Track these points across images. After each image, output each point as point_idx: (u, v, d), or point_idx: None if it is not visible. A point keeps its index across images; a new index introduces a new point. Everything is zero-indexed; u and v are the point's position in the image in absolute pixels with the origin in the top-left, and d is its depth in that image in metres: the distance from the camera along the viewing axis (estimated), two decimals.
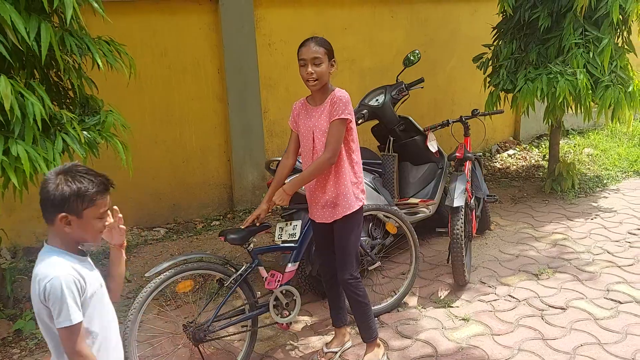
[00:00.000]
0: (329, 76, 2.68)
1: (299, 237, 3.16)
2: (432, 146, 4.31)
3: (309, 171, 2.65)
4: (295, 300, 2.98)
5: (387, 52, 5.87)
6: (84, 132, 2.99)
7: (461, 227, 3.51)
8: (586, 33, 4.62)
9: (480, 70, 5.28)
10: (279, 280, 2.92)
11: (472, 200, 3.93)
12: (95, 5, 3.04)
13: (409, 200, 4.23)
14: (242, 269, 2.80)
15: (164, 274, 2.61)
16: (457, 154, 3.88)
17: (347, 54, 5.75)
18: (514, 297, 3.51)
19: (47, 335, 1.69)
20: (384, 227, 3.66)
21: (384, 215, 3.52)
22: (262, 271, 2.91)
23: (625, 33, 4.89)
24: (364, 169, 3.97)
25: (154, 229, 5.00)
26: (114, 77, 3.43)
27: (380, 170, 4.13)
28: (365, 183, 3.83)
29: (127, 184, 4.79)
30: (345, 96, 2.64)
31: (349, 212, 2.70)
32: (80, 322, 1.61)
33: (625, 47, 4.89)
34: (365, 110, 4.24)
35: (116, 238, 1.86)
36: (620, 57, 4.77)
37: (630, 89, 4.66)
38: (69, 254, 1.69)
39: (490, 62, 5.24)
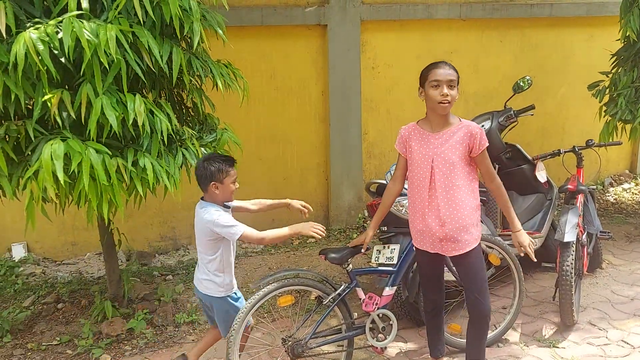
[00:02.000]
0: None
1: (398, 261, 3.14)
2: (541, 176, 4.12)
3: (506, 199, 2.73)
4: (391, 324, 2.96)
5: (493, 77, 5.73)
6: (202, 148, 3.21)
7: (571, 263, 3.31)
8: None
9: (596, 98, 4.98)
10: (376, 303, 2.92)
11: (583, 236, 3.69)
12: (220, 31, 3.27)
13: None
14: (340, 288, 2.84)
15: (268, 287, 2.71)
16: (569, 186, 3.68)
17: None
18: (628, 343, 3.23)
19: (202, 245, 2.70)
20: (487, 257, 3.54)
21: (486, 245, 3.41)
22: (360, 292, 2.93)
23: None
24: None
25: None
26: (227, 97, 3.65)
27: (484, 198, 4.00)
28: None
29: None
30: (476, 125, 2.64)
31: (475, 245, 2.64)
32: (242, 229, 2.66)
33: None
34: None
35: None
36: None
37: None
38: (218, 206, 2.68)
39: (608, 90, 4.93)
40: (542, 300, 3.87)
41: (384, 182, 3.59)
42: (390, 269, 3.11)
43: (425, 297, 2.98)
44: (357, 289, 2.91)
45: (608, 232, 4.00)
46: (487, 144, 2.61)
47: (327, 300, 2.81)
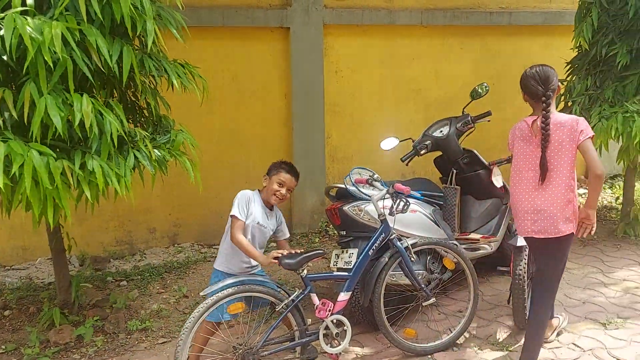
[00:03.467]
0: None
1: (354, 266, 3.13)
2: (497, 181, 4.18)
3: (597, 187, 2.76)
4: (346, 330, 2.94)
5: (454, 83, 5.80)
6: (155, 150, 3.14)
7: (524, 267, 3.36)
8: None
9: None
10: (330, 309, 2.90)
11: None
12: (174, 30, 3.20)
13: (470, 236, 4.10)
14: (294, 294, 2.81)
15: (217, 294, 2.65)
16: None
17: (413, 85, 5.74)
18: (578, 347, 3.30)
19: None
20: (442, 261, 3.56)
21: (442, 250, 3.44)
22: (314, 298, 2.90)
23: None
24: (424, 201, 3.93)
25: (213, 247, 5.11)
26: (186, 98, 3.59)
27: (441, 202, 4.05)
28: (425, 215, 3.78)
29: (191, 200, 4.98)
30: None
31: (570, 232, 2.82)
32: (237, 218, 2.85)
33: None
34: (429, 141, 4.19)
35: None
36: None
37: None
38: (260, 198, 3.01)
39: (563, 97, 5.05)
40: (498, 303, 3.92)
41: (344, 186, 3.57)
42: (346, 274, 3.09)
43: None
44: (311, 294, 2.88)
45: None
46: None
47: (280, 307, 2.77)
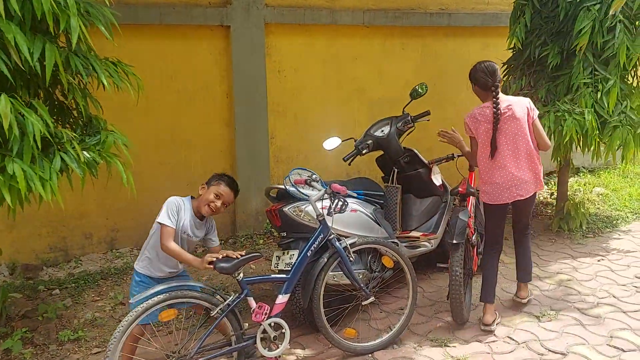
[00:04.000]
0: None
1: (292, 267, 3.10)
2: (436, 179, 4.25)
3: (542, 136, 3.46)
4: (284, 333, 2.91)
5: (396, 83, 5.87)
6: (84, 152, 3.00)
7: (461, 264, 3.43)
8: (595, 73, 4.58)
9: None
10: (266, 313, 2.85)
11: (474, 237, 3.85)
12: (103, 29, 3.08)
13: (410, 234, 4.16)
14: (230, 299, 2.75)
15: (147, 302, 2.56)
16: (459, 189, 3.83)
17: (356, 84, 5.77)
18: (513, 339, 3.39)
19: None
20: (381, 260, 3.58)
21: (381, 248, 3.46)
22: (251, 302, 2.86)
23: (639, 73, 4.85)
24: (365, 200, 3.95)
25: None
26: (123, 99, 3.46)
27: (382, 202, 4.08)
28: (366, 215, 3.80)
29: (129, 204, 4.81)
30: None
31: (538, 190, 3.45)
32: (167, 225, 2.77)
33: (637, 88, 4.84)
34: (371, 141, 4.22)
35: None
36: (631, 98, 4.71)
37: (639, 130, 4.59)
38: (191, 206, 2.92)
39: None
40: (438, 300, 3.98)
41: (284, 187, 3.54)
42: (283, 276, 3.06)
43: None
44: (248, 298, 2.83)
45: None
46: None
47: (215, 312, 2.70)
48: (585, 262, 4.56)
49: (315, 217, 3.17)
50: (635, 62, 4.72)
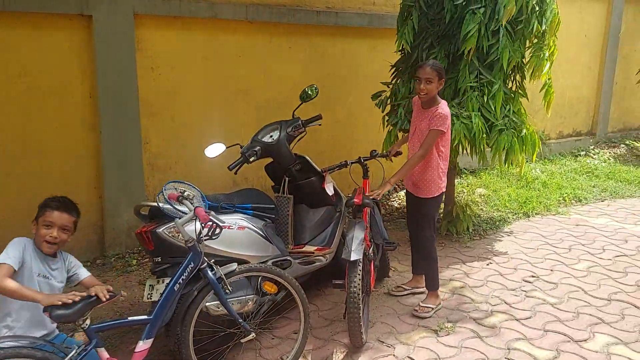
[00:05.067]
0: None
1: (154, 307, 2.59)
2: (329, 188, 3.97)
3: (409, 166, 3.55)
4: None
5: (284, 85, 5.53)
6: None
7: (359, 282, 3.17)
8: (481, 77, 4.60)
9: (379, 108, 5.10)
10: None
11: (370, 250, 3.62)
12: None
13: (304, 248, 3.83)
14: (71, 353, 2.20)
15: None
16: (355, 200, 3.56)
17: (241, 84, 5.34)
18: (413, 359, 3.21)
19: None
20: (262, 286, 3.19)
21: (264, 274, 3.08)
22: (103, 353, 2.33)
23: (518, 77, 4.96)
24: (255, 215, 3.56)
25: None
26: None
27: (272, 215, 3.69)
28: (255, 231, 3.41)
29: None
30: (443, 112, 3.50)
31: (429, 196, 3.69)
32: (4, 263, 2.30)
33: (519, 91, 4.95)
34: (258, 147, 3.81)
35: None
36: (514, 102, 4.81)
37: (523, 133, 4.69)
38: (34, 245, 2.50)
39: (389, 100, 5.08)
40: (334, 318, 3.71)
41: (156, 204, 3.03)
42: (144, 318, 2.55)
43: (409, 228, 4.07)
44: (98, 350, 2.30)
45: (393, 243, 4.03)
46: (441, 130, 3.51)
47: None
48: (475, 267, 4.56)
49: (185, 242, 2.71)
50: (514, 67, 4.82)
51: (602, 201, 6.50)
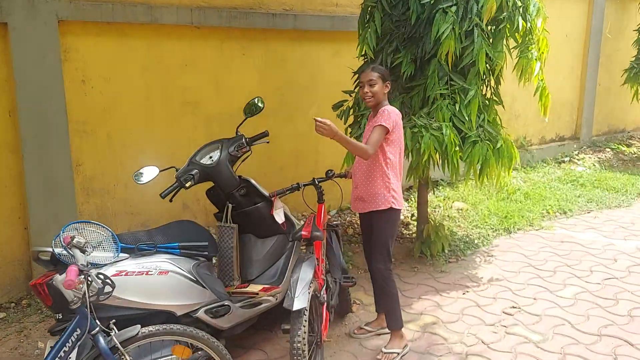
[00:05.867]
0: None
1: None
2: (278, 215, 3.46)
3: (353, 144, 3.04)
4: None
5: (238, 95, 4.98)
6: None
7: (304, 336, 2.65)
8: (452, 83, 4.13)
9: (340, 119, 4.59)
10: None
11: (322, 290, 3.11)
12: None
13: (247, 288, 3.31)
14: None
15: None
16: (302, 233, 3.03)
17: (189, 96, 4.81)
18: None
19: None
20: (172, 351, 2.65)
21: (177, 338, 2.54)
22: None
23: (493, 83, 4.49)
24: (182, 255, 3.02)
25: None
26: None
27: (205, 253, 3.15)
28: (182, 275, 2.88)
29: None
30: (389, 109, 3.16)
31: (375, 209, 3.21)
32: None
33: (494, 99, 4.48)
34: (196, 170, 3.31)
35: None
36: (489, 111, 4.34)
37: (499, 145, 4.22)
38: None
39: (352, 110, 4.58)
40: None
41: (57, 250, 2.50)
42: None
43: (366, 256, 3.59)
44: None
45: (352, 278, 3.54)
46: (384, 125, 3.09)
47: None
48: (449, 297, 4.07)
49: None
50: (498, 73, 4.34)
51: (588, 212, 6.06)
